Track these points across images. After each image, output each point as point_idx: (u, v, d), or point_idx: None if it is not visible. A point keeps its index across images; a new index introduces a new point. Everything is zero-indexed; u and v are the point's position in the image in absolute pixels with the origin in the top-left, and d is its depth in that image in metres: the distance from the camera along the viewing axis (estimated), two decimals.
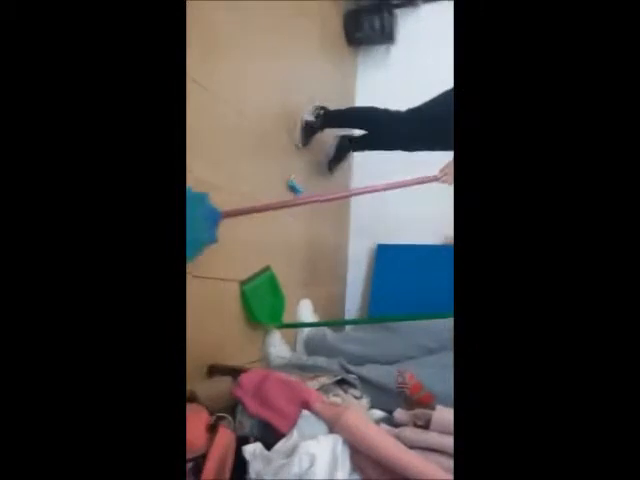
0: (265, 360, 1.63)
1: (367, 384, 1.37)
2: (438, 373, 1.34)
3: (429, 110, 1.72)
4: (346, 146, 2.12)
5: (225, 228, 1.46)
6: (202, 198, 1.25)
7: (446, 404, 1.06)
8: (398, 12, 2.51)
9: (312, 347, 1.82)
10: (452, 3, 0.63)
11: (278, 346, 1.67)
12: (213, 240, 1.29)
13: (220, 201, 1.33)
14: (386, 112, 1.85)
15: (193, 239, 1.16)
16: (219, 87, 1.44)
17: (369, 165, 2.29)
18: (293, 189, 1.88)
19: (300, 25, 2.02)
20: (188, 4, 1.28)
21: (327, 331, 1.82)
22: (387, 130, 1.85)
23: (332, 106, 2.01)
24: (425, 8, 2.55)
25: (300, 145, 1.94)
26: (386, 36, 2.50)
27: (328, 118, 1.93)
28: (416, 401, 1.36)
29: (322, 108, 1.94)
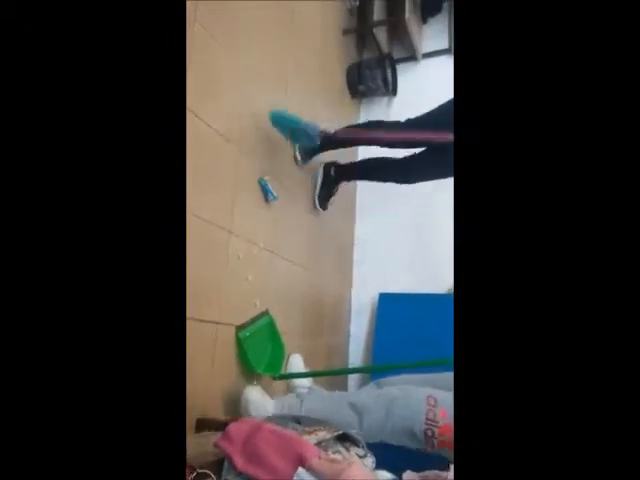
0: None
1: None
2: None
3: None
4: (331, 176, 1.99)
5: (221, 267, 1.39)
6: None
7: None
8: (399, 66, 2.57)
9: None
10: (451, 57, 0.63)
11: (258, 402, 1.38)
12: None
13: None
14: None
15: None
16: (219, 129, 1.42)
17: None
18: (264, 190, 1.66)
19: (302, 76, 2.05)
20: (192, 48, 1.30)
21: (324, 392, 1.64)
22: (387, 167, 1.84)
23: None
24: (425, 62, 2.62)
25: (300, 161, 1.87)
26: (388, 89, 2.54)
27: (328, 141, 1.81)
28: (439, 444, 1.22)
29: (324, 132, 1.82)
